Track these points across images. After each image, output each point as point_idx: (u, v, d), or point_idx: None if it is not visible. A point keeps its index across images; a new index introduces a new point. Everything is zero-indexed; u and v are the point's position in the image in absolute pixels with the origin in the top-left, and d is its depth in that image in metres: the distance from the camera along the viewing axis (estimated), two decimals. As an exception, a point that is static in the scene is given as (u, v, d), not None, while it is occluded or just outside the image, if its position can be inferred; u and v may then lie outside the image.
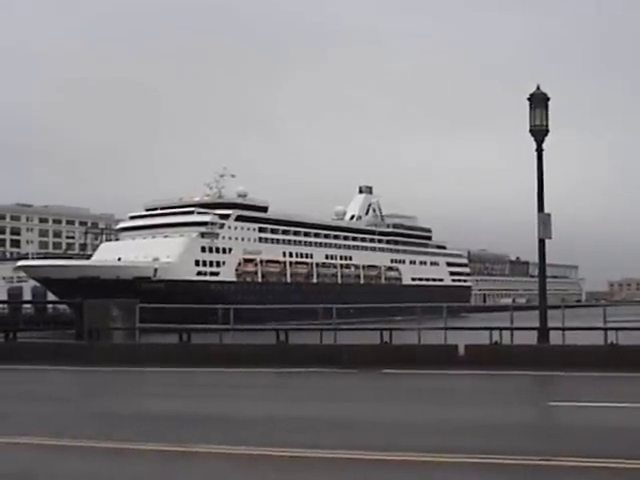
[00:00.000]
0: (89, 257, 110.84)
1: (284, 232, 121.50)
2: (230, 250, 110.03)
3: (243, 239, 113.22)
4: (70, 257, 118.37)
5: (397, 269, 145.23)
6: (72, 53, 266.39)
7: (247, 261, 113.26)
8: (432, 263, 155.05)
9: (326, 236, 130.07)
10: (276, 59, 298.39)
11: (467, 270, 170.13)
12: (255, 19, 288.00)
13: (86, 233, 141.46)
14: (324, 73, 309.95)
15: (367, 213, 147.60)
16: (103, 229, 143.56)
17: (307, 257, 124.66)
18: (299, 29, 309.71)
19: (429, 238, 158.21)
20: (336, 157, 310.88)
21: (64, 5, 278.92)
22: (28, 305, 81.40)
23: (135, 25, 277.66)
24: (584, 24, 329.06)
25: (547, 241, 23.86)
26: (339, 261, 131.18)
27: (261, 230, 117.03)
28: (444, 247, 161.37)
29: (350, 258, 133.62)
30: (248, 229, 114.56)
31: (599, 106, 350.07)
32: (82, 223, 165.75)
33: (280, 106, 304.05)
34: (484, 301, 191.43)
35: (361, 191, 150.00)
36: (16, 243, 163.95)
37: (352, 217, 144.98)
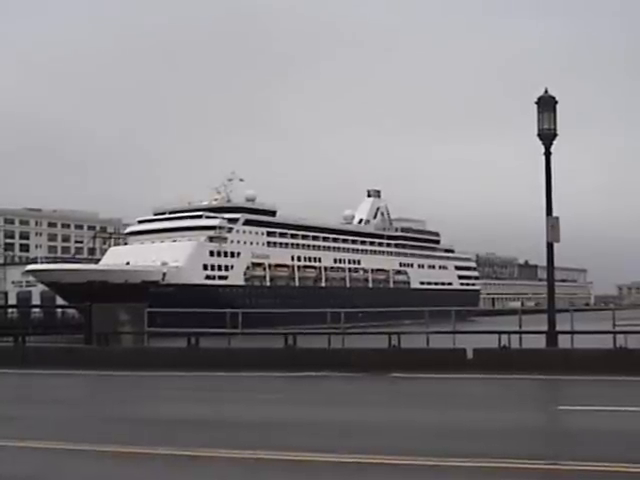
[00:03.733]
0: (97, 261, 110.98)
1: (292, 236, 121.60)
2: (238, 254, 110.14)
3: (251, 243, 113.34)
4: (79, 261, 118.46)
5: (405, 273, 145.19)
6: (80, 55, 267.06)
7: (255, 265, 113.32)
8: (440, 267, 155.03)
9: (334, 240, 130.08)
10: (281, 61, 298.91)
11: (475, 274, 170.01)
12: (266, 20, 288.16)
13: (94, 237, 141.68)
14: (333, 75, 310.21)
15: (375, 217, 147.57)
16: (111, 233, 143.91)
17: (315, 261, 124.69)
18: (306, 29, 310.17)
19: (437, 242, 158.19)
20: (344, 160, 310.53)
21: (72, 5, 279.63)
22: (37, 309, 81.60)
23: (142, 25, 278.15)
24: (593, 27, 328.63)
25: (556, 245, 23.80)
26: (347, 265, 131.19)
27: (269, 234, 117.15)
28: (452, 251, 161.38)
29: (358, 262, 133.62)
30: (256, 233, 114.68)
31: (612, 109, 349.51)
32: (91, 227, 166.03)
33: (287, 108, 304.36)
34: (492, 305, 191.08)
35: (369, 195, 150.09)
36: (25, 247, 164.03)
37: (360, 221, 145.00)
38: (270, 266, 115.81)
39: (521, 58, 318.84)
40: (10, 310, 65.25)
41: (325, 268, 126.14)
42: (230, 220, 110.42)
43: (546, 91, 23.61)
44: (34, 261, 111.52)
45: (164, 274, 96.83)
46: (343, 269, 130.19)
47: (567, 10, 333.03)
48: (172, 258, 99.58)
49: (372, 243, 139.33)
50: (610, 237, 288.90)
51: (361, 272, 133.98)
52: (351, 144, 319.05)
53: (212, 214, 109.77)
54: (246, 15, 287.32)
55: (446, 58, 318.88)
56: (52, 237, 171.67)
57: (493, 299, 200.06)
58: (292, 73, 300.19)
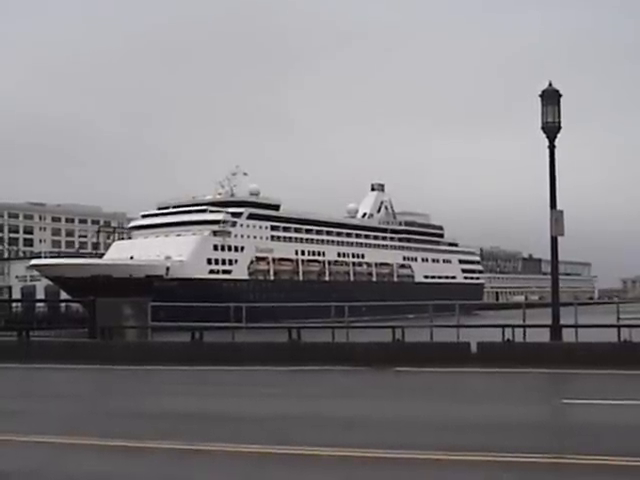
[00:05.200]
0: (101, 256, 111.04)
1: (296, 230, 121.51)
2: (242, 248, 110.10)
3: (255, 237, 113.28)
4: (83, 256, 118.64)
5: (409, 267, 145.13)
6: (85, 54, 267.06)
7: (259, 259, 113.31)
8: (444, 261, 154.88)
9: (338, 234, 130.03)
10: (285, 58, 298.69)
11: (479, 267, 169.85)
12: (273, 18, 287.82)
13: (98, 232, 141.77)
14: (339, 71, 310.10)
15: (379, 211, 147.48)
16: (115, 228, 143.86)
17: (319, 255, 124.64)
18: (308, 27, 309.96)
19: (441, 236, 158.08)
20: (348, 154, 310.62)
21: (76, 5, 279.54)
22: (41, 304, 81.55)
23: (146, 25, 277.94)
24: (600, 19, 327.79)
25: (560, 238, 23.74)
26: (351, 259, 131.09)
27: (273, 228, 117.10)
28: (456, 245, 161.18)
29: (362, 256, 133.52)
30: (260, 227, 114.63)
31: (615, 103, 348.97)
32: (94, 222, 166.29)
33: (290, 105, 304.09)
34: (496, 299, 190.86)
35: (373, 189, 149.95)
36: (29, 242, 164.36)
37: (364, 215, 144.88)
38: (274, 260, 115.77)
39: (521, 54, 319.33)
40: (14, 304, 65.12)
41: (329, 262, 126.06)
42: (234, 214, 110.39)
43: (550, 84, 23.56)
44: (38, 256, 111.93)
45: (168, 268, 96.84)
46: (347, 263, 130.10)
47: (567, 3, 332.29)
48: (176, 252, 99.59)
49: (376, 237, 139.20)
50: (614, 231, 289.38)
51: (365, 266, 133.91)
52: (354, 141, 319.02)
53: (216, 208, 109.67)
54: (247, 15, 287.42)
55: (448, 55, 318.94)
56: (56, 232, 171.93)
57: (497, 293, 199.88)
58: (295, 71, 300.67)
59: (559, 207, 23.53)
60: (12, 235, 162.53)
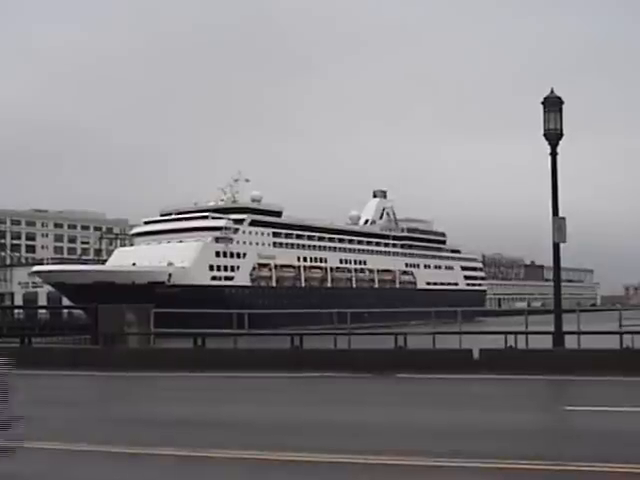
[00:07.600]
0: (104, 262, 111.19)
1: (298, 237, 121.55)
2: (244, 255, 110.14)
3: (257, 244, 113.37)
4: (85, 262, 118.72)
5: (411, 273, 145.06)
6: (86, 58, 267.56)
7: (261, 266, 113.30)
8: (447, 267, 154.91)
9: (340, 240, 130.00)
10: (293, 61, 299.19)
11: (482, 274, 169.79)
12: (279, 21, 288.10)
13: (101, 238, 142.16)
14: (345, 75, 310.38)
15: (381, 217, 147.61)
16: (118, 234, 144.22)
17: (321, 261, 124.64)
18: (313, 32, 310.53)
19: (443, 242, 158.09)
20: (352, 159, 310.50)
21: (80, 9, 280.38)
22: (43, 310, 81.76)
23: (152, 23, 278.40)
24: (605, 25, 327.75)
25: (562, 245, 23.76)
26: (353, 265, 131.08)
27: (275, 235, 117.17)
28: (459, 251, 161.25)
29: (364, 262, 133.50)
30: (262, 234, 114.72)
31: (618, 110, 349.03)
32: (97, 228, 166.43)
33: (294, 110, 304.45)
34: (499, 305, 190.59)
35: (375, 195, 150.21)
36: (31, 248, 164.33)
37: (366, 221, 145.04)
38: (276, 267, 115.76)
39: (529, 58, 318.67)
40: (16, 311, 65.39)
41: (331, 269, 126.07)
42: (236, 221, 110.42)
43: (552, 91, 23.58)
44: (40, 262, 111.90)
45: (170, 275, 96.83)
46: (349, 269, 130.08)
47: (579, 8, 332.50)
48: (178, 259, 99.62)
49: (378, 244, 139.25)
50: (616, 237, 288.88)
51: (367, 272, 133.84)
52: (357, 146, 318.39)
53: (218, 215, 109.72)
54: (252, 18, 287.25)
55: (454, 58, 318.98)
56: (58, 238, 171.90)
57: (499, 299, 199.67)
58: (301, 74, 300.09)
59: (561, 214, 23.55)
60: (14, 241, 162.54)
